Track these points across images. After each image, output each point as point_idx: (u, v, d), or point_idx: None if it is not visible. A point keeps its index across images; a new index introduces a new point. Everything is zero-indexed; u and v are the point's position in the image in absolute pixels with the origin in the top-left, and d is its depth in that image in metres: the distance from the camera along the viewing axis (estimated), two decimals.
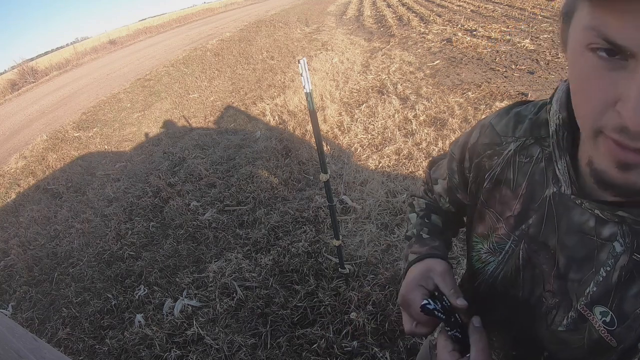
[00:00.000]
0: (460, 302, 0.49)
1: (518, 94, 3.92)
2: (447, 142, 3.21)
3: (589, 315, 0.42)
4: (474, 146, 0.54)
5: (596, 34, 0.29)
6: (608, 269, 0.40)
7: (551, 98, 0.46)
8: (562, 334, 0.45)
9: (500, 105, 3.64)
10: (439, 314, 0.48)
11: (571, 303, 0.44)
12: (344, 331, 1.85)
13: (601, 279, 0.41)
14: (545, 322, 0.47)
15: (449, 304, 0.50)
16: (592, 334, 0.42)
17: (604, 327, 0.41)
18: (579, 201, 0.41)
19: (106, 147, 5.60)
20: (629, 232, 0.38)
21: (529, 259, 0.48)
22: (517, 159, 0.49)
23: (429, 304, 0.49)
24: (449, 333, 0.49)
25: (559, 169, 0.43)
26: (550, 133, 0.44)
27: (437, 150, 3.15)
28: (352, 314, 1.90)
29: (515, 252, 0.49)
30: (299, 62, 1.30)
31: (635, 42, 0.27)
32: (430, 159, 0.75)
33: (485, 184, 0.53)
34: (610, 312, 0.40)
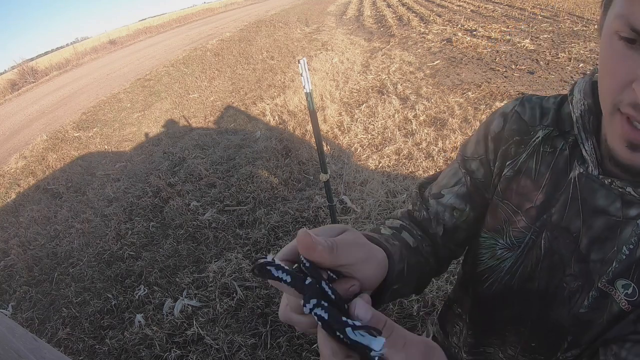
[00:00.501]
0: (317, 254, 0.30)
1: (518, 94, 3.92)
2: (447, 142, 3.22)
3: (611, 290, 0.43)
4: (500, 134, 0.52)
5: (624, 22, 0.32)
6: (631, 246, 0.41)
7: (571, 91, 0.48)
8: (585, 315, 0.46)
9: (500, 105, 3.63)
10: (282, 274, 0.29)
11: (593, 283, 0.44)
12: None
13: (624, 256, 0.42)
14: (567, 306, 0.47)
15: (334, 277, 0.32)
16: (612, 308, 0.43)
17: (625, 300, 0.42)
18: (609, 180, 0.42)
19: (106, 147, 5.60)
20: None
21: (550, 247, 0.47)
22: (541, 149, 0.49)
23: (268, 259, 0.30)
24: (309, 308, 0.28)
25: (586, 150, 0.44)
26: (575, 118, 0.46)
27: (437, 150, 3.15)
28: None
29: (536, 243, 0.48)
30: (299, 62, 1.30)
31: None
32: (419, 181, 0.67)
33: (505, 172, 0.51)
34: (632, 284, 0.41)
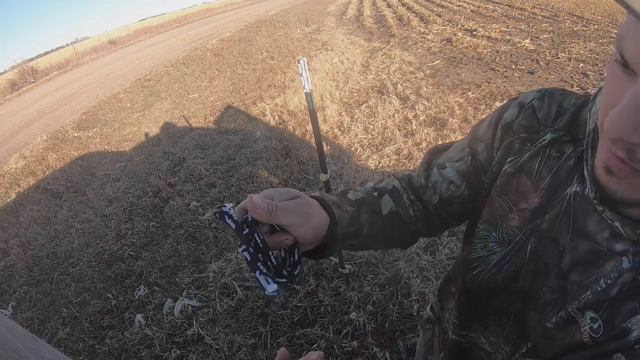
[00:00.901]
0: (253, 203, 0.41)
1: (518, 94, 3.91)
2: (447, 142, 3.21)
3: (579, 317, 0.42)
4: (509, 125, 0.52)
5: (618, 47, 0.32)
6: (609, 281, 0.40)
7: (593, 98, 0.45)
8: (550, 330, 0.45)
9: (500, 105, 3.64)
10: (231, 222, 0.41)
11: (565, 303, 0.44)
12: (344, 331, 1.85)
13: (599, 289, 0.40)
14: (538, 315, 0.47)
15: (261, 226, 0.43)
16: (575, 336, 0.42)
17: (588, 333, 0.41)
18: (601, 208, 0.40)
19: (106, 147, 5.60)
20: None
21: (536, 252, 0.47)
22: (547, 151, 0.47)
23: (228, 209, 0.42)
24: (240, 250, 0.41)
25: (587, 169, 0.42)
26: (587, 131, 0.43)
27: None
28: (352, 314, 1.90)
29: (524, 245, 0.48)
30: (299, 62, 1.30)
31: (637, 59, 0.30)
32: (434, 146, 0.70)
33: (506, 167, 0.51)
34: (600, 321, 0.40)
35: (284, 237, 0.44)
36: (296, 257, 0.45)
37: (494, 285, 0.52)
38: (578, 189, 0.43)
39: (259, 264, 0.41)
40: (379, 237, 0.58)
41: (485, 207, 0.54)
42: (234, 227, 0.41)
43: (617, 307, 0.39)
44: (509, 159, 0.51)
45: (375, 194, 0.60)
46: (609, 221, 0.39)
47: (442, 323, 0.70)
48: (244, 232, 0.41)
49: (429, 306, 0.83)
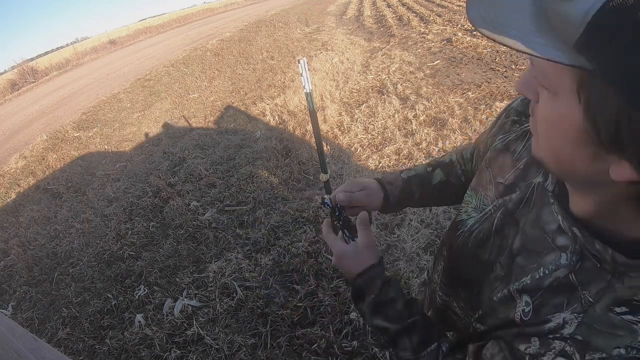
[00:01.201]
0: (339, 197, 0.69)
1: (518, 94, 3.91)
2: (447, 142, 3.21)
3: (517, 298, 0.45)
4: (509, 109, 0.58)
5: None
6: (547, 272, 0.42)
7: None
8: (495, 303, 0.49)
9: (500, 105, 3.64)
10: (327, 205, 0.68)
11: (509, 283, 0.47)
12: (344, 331, 1.85)
13: (537, 277, 0.43)
14: (490, 287, 0.50)
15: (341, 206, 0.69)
16: (510, 313, 0.46)
17: (520, 314, 0.44)
18: (552, 200, 0.43)
19: (106, 147, 5.60)
20: (578, 251, 0.39)
21: (502, 228, 0.51)
22: (529, 136, 0.51)
23: (327, 199, 0.69)
24: (335, 222, 0.68)
25: None
26: None
27: (437, 150, 3.15)
28: (352, 314, 1.90)
29: (492, 216, 0.52)
30: (299, 62, 1.30)
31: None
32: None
33: (496, 143, 0.56)
34: (531, 306, 0.43)
35: (358, 210, 0.69)
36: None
37: (467, 250, 0.57)
38: (541, 180, 0.46)
39: (345, 230, 0.65)
40: (431, 199, 0.79)
41: (475, 176, 0.61)
42: (330, 207, 0.68)
43: (547, 298, 0.42)
44: (499, 137, 0.56)
45: (430, 169, 0.77)
46: (556, 214, 0.42)
47: (432, 283, 0.75)
48: (337, 214, 0.67)
49: (426, 271, 0.91)
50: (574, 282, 0.39)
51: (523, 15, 0.30)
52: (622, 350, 0.34)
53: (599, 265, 0.37)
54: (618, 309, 0.35)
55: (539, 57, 0.28)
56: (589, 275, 0.38)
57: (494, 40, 0.30)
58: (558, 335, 0.39)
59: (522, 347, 0.42)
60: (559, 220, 0.41)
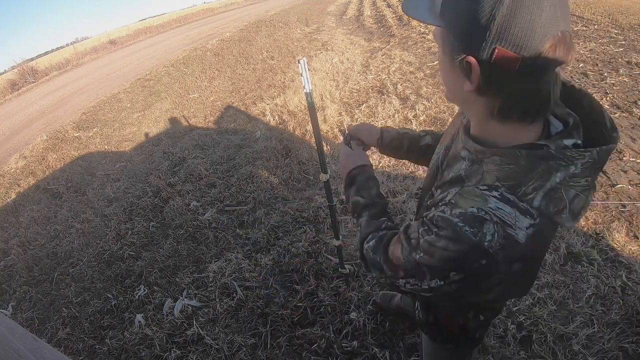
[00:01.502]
0: (351, 129, 1.08)
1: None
2: None
3: (434, 193, 0.69)
4: None
5: None
6: (452, 174, 0.64)
7: None
8: (427, 200, 0.72)
9: None
10: (344, 133, 1.09)
11: (433, 183, 0.72)
12: (344, 331, 1.85)
13: (447, 177, 0.66)
14: (429, 193, 0.71)
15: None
16: (428, 201, 0.68)
17: (429, 199, 0.68)
18: (461, 129, 0.67)
19: (106, 147, 5.60)
20: (472, 159, 0.60)
21: (443, 159, 0.72)
22: None
23: (346, 131, 1.08)
24: (346, 144, 1.05)
25: None
26: None
27: None
28: (352, 314, 1.90)
29: (439, 153, 0.76)
30: (299, 62, 1.29)
31: None
32: None
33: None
34: (439, 191, 0.66)
35: (361, 142, 1.06)
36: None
37: (428, 173, 0.80)
38: (463, 120, 0.69)
39: (349, 145, 1.04)
40: (416, 156, 1.02)
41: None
42: (348, 139, 1.05)
43: (446, 187, 0.63)
44: None
45: (422, 133, 1.01)
46: (462, 137, 0.65)
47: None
48: (348, 139, 1.05)
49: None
50: (463, 176, 0.61)
51: (423, 2, 0.56)
52: (475, 210, 0.53)
53: (478, 166, 0.58)
54: (482, 187, 0.55)
55: (422, 22, 0.55)
56: (472, 171, 0.59)
57: (412, 18, 0.56)
58: (445, 202, 0.59)
59: (424, 213, 0.63)
60: (463, 141, 0.63)
